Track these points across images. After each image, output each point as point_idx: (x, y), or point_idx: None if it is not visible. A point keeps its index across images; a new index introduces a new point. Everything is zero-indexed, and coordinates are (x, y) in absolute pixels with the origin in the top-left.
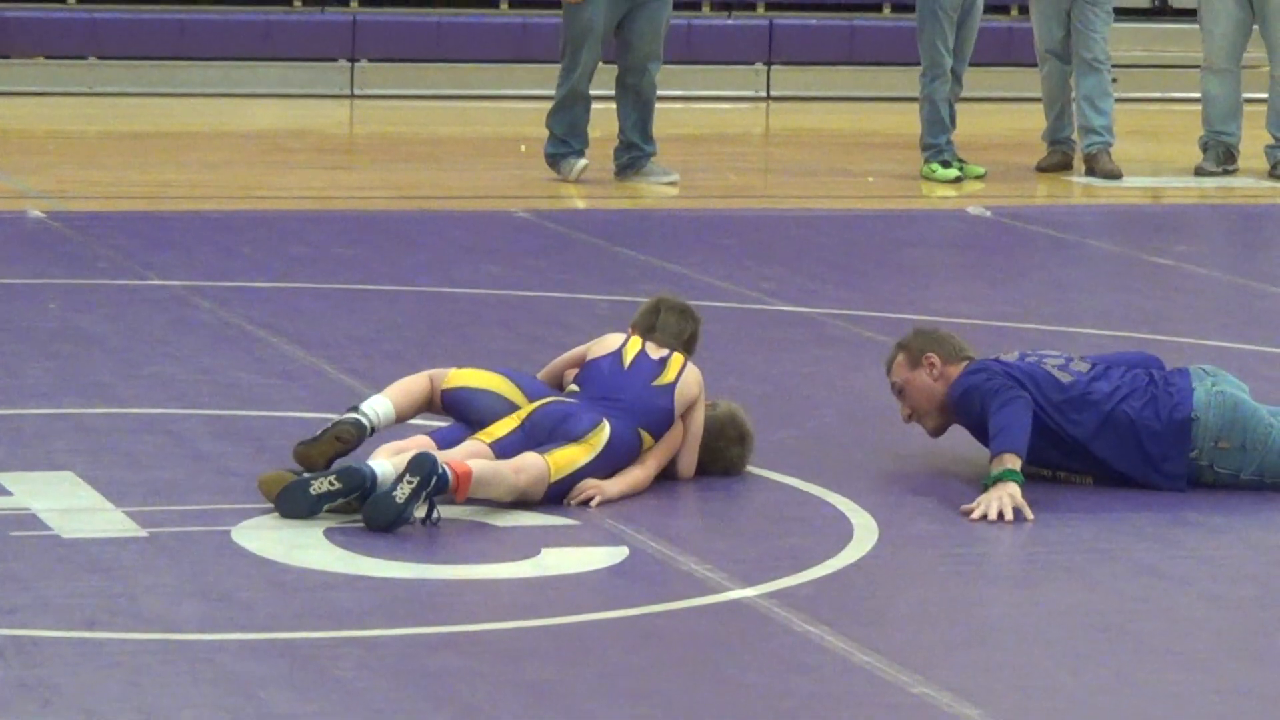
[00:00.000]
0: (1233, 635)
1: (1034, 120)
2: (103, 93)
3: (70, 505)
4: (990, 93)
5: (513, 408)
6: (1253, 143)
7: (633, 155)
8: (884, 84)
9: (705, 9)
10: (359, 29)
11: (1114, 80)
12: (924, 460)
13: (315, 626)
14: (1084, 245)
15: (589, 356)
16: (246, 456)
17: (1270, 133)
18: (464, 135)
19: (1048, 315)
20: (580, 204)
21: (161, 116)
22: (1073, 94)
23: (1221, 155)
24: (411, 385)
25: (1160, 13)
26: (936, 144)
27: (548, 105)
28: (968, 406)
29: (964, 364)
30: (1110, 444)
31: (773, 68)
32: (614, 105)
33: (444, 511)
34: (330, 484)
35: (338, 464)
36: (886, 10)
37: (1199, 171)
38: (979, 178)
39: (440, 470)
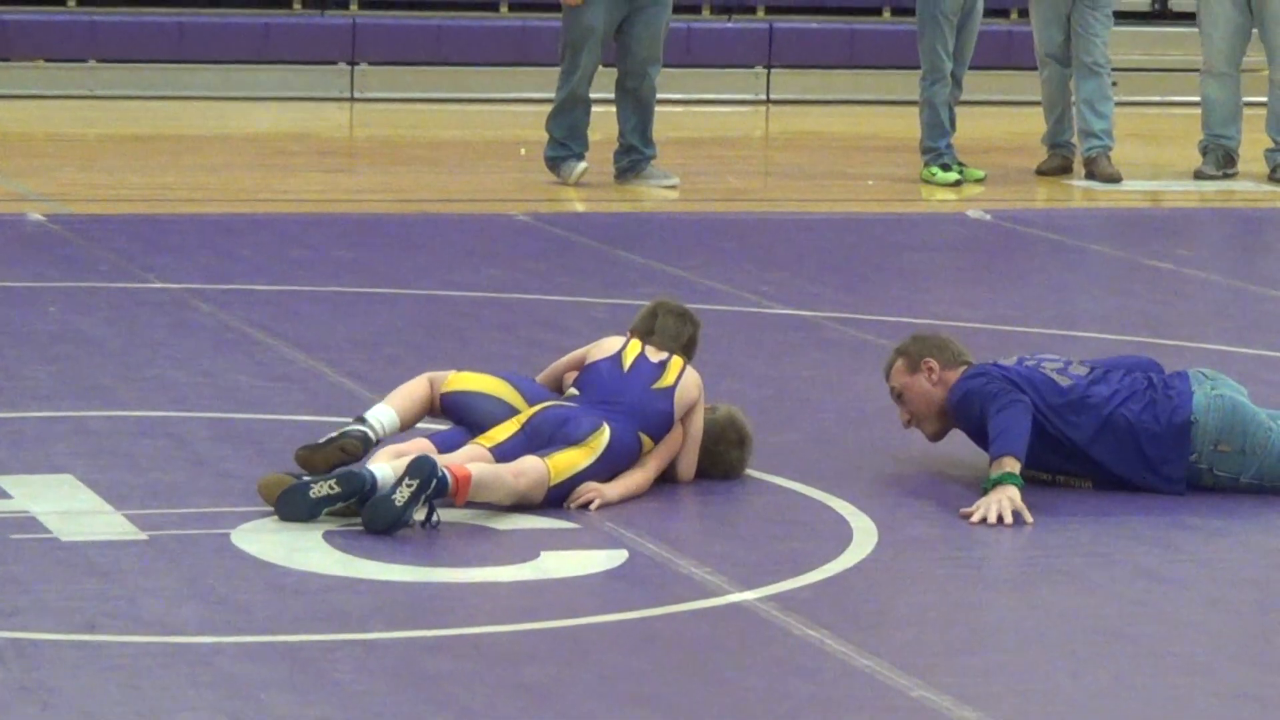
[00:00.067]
0: (1232, 639)
1: (1034, 124)
2: (103, 96)
3: (70, 508)
4: (990, 96)
5: (512, 411)
6: (1252, 146)
7: (632, 158)
8: (884, 87)
9: (705, 12)
10: (359, 32)
11: (1114, 84)
12: (923, 463)
13: (315, 629)
14: (1084, 249)
15: (588, 360)
16: (246, 459)
17: (1270, 136)
18: (464, 138)
19: (1047, 319)
20: (580, 207)
21: (162, 119)
22: (1072, 98)
23: (1221, 159)
24: (413, 391)
25: (1160, 16)
26: (936, 147)
27: (547, 108)
28: (967, 410)
29: (962, 369)
30: (1109, 447)
31: (772, 71)
32: (614, 108)
33: (443, 515)
34: (330, 488)
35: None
36: (886, 14)
37: (1199, 175)
38: (979, 181)
39: (440, 474)
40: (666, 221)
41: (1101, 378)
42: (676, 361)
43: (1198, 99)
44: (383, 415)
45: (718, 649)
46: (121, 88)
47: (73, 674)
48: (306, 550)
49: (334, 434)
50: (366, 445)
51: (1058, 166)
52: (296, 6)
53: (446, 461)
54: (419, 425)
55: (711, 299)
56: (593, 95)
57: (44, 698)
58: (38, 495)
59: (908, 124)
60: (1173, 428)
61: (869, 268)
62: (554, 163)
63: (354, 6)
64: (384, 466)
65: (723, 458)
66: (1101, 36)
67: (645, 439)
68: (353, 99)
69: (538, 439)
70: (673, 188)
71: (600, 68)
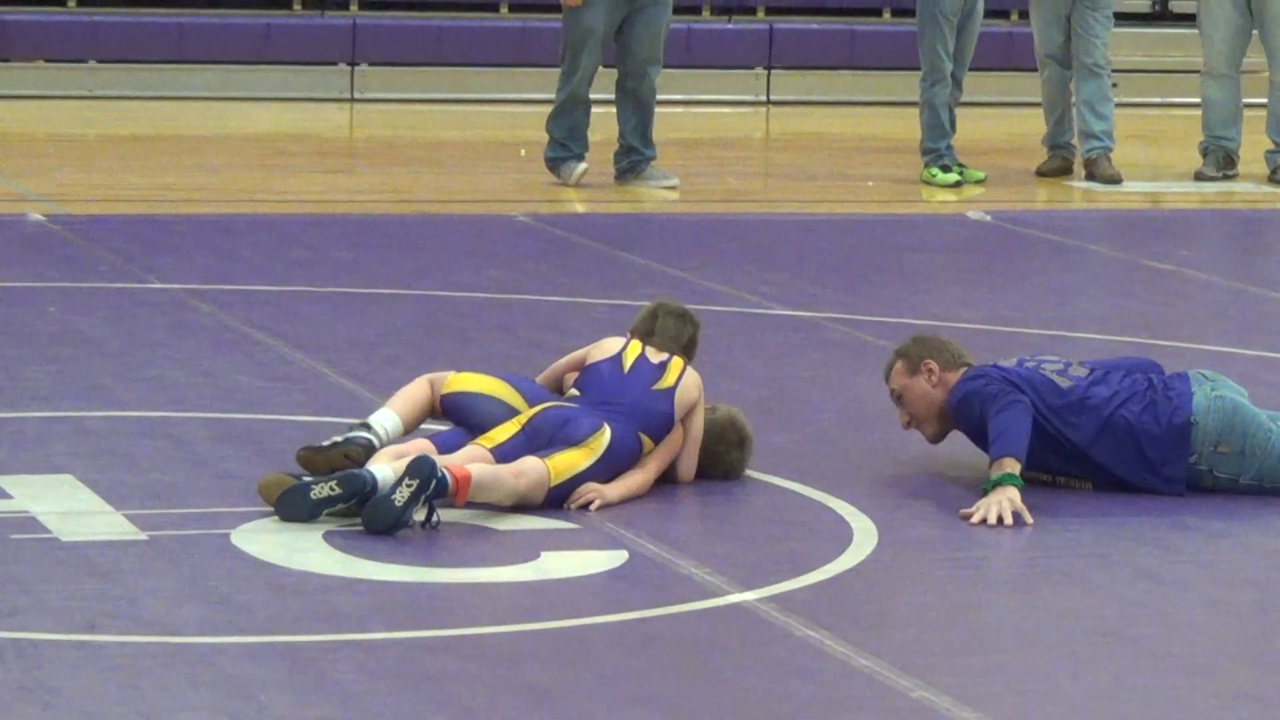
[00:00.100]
0: (1232, 640)
1: (1034, 125)
2: (103, 96)
3: (70, 508)
4: (990, 97)
5: (512, 412)
6: (1252, 148)
7: (633, 159)
8: (884, 89)
9: (705, 13)
10: (359, 33)
11: (1114, 85)
12: (923, 464)
13: (314, 629)
14: (1084, 250)
15: (589, 361)
16: (246, 460)
17: (1270, 138)
18: (464, 139)
19: (1048, 320)
20: (580, 208)
21: (161, 120)
22: (1073, 99)
23: (1221, 160)
24: (414, 394)
25: (1160, 18)
26: (936, 149)
27: (548, 109)
28: (967, 412)
29: (962, 370)
30: (1109, 449)
31: (773, 72)
32: (614, 109)
33: (443, 515)
34: (331, 489)
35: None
36: (887, 15)
37: (1199, 176)
38: (979, 182)
39: (439, 474)
40: (666, 222)
41: (1101, 379)
42: (677, 362)
43: (1198, 100)
44: (386, 420)
45: (718, 649)
46: (121, 88)
47: (73, 674)
48: (306, 550)
49: (338, 438)
50: (370, 452)
51: (1058, 168)
52: (297, 7)
53: (446, 462)
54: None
55: (711, 300)
56: (593, 96)
57: (44, 698)
58: (38, 495)
59: (908, 125)
60: (1173, 429)
61: (869, 269)
62: (554, 163)
63: (354, 7)
64: (384, 467)
65: (723, 458)
66: (1102, 38)
67: (646, 440)
68: (353, 99)
69: (538, 440)
70: (673, 189)
71: (600, 68)
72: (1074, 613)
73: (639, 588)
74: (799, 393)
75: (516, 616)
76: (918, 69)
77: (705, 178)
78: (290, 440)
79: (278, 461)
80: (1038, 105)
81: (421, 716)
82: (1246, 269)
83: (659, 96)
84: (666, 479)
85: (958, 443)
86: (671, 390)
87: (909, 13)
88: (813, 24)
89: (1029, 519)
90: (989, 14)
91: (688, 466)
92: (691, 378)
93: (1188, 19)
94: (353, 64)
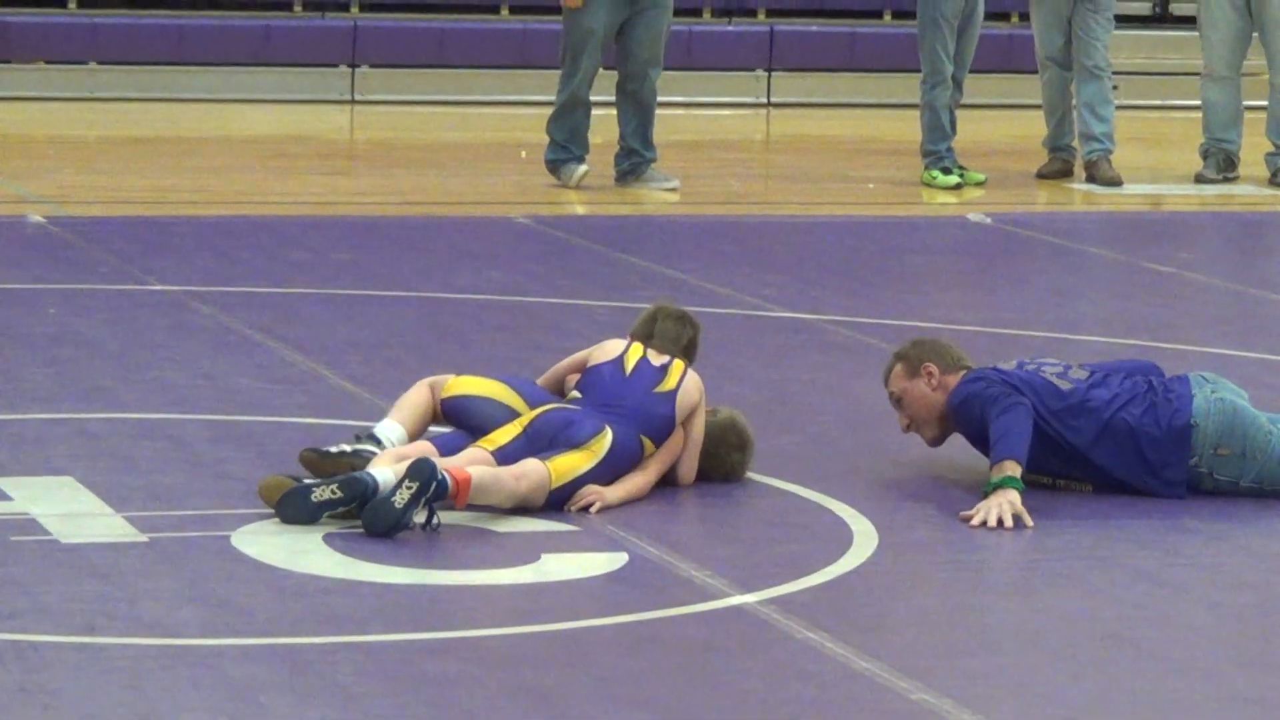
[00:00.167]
0: (1232, 642)
1: (1035, 127)
2: (103, 98)
3: (70, 510)
4: (991, 99)
5: (513, 414)
6: (1253, 150)
7: (633, 161)
8: (885, 90)
9: (706, 15)
10: (359, 34)
11: (1115, 87)
12: (924, 467)
13: (315, 631)
14: (1084, 252)
15: (590, 363)
16: (246, 462)
17: (1270, 140)
18: (464, 141)
19: (1048, 322)
20: (581, 210)
21: (162, 121)
22: (1073, 101)
23: (1222, 162)
24: (416, 401)
25: (1161, 20)
26: (937, 151)
27: (548, 111)
28: (967, 414)
29: (962, 373)
30: (1110, 451)
31: (773, 74)
32: (614, 111)
33: (444, 517)
34: (332, 492)
35: None
36: (887, 17)
37: (1199, 179)
38: (979, 184)
39: (439, 476)
40: (667, 224)
41: (1101, 381)
42: (678, 365)
43: (1198, 103)
44: (391, 433)
45: (718, 652)
46: (122, 90)
47: (73, 676)
48: (307, 553)
49: (346, 448)
50: None
51: (1058, 170)
52: (297, 9)
53: (447, 464)
54: None
55: (712, 302)
56: (593, 98)
57: (44, 700)
58: (38, 497)
59: (908, 127)
60: (1173, 431)
61: (869, 271)
62: (554, 165)
63: (354, 9)
64: (385, 470)
65: (723, 461)
66: (1102, 40)
67: (647, 442)
68: (353, 101)
69: (539, 442)
70: (673, 190)
71: (601, 70)
72: (1074, 615)
73: (639, 590)
74: (799, 395)
75: (516, 618)
76: (918, 71)
77: (706, 180)
78: (291, 442)
79: (278, 463)
80: (1038, 107)
81: (421, 718)
82: (1247, 271)
83: (659, 98)
84: (667, 481)
85: (958, 445)
86: (673, 393)
87: (909, 15)
88: (813, 26)
89: (1029, 521)
90: (989, 16)
91: (688, 469)
92: (693, 381)
93: (1188, 21)
94: (353, 66)
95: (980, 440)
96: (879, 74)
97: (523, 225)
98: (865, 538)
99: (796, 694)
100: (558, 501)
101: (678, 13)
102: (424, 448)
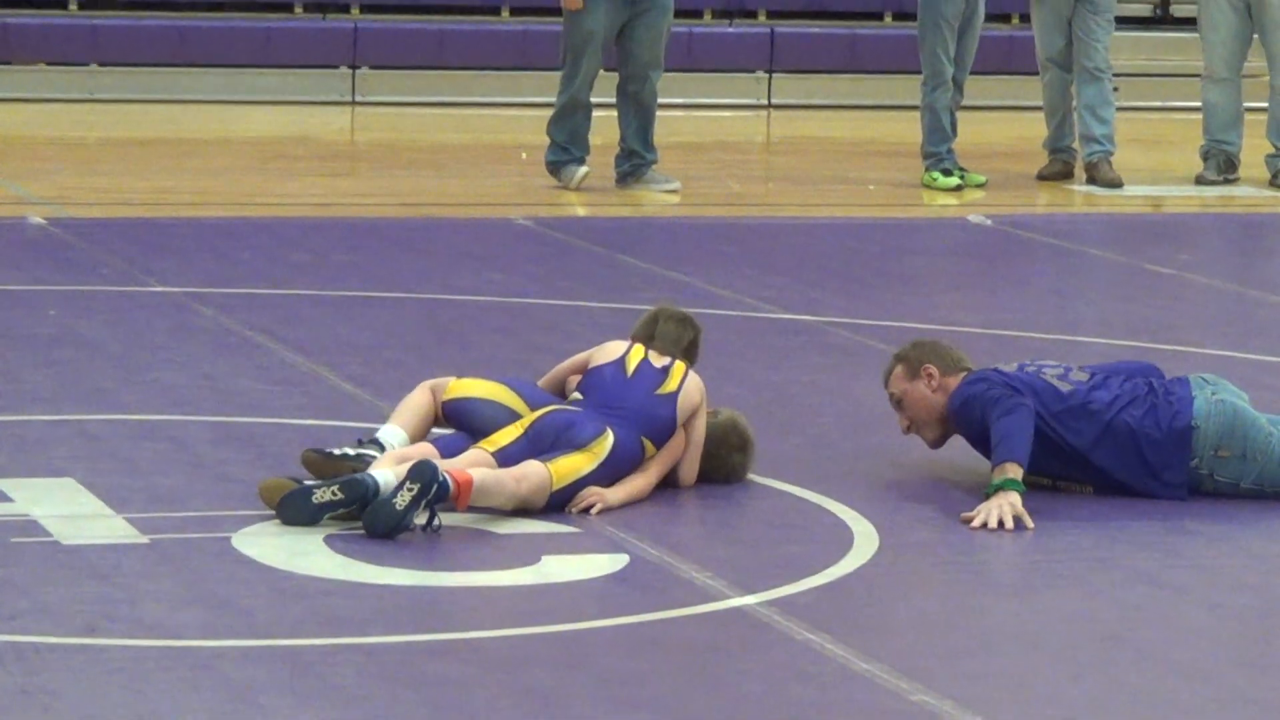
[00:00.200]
0: (1232, 644)
1: (1035, 129)
2: (104, 99)
3: (71, 511)
4: (991, 101)
5: (514, 416)
6: (1253, 152)
7: (634, 163)
8: (885, 92)
9: (707, 16)
10: (360, 36)
11: (1115, 89)
12: (924, 468)
13: (315, 633)
14: (1085, 254)
15: (591, 364)
16: (247, 463)
17: (1271, 141)
18: (465, 142)
19: (1049, 324)
20: (581, 211)
21: (163, 123)
22: (1074, 102)
23: (1222, 164)
24: (417, 405)
25: (1161, 22)
26: (938, 152)
27: (549, 113)
28: (968, 416)
29: (962, 375)
30: (1110, 453)
31: (774, 75)
32: (615, 113)
33: (445, 519)
34: (333, 494)
35: None
36: (888, 18)
37: (1200, 180)
38: (980, 186)
39: (440, 478)
40: (667, 226)
41: (1102, 383)
42: (679, 367)
43: (1199, 104)
44: (394, 437)
45: (718, 653)
46: (122, 91)
47: (74, 677)
48: (307, 554)
49: (350, 451)
50: None
51: (1059, 171)
52: (298, 10)
53: (448, 466)
54: None
55: (713, 303)
56: (594, 100)
57: (45, 701)
58: (39, 499)
59: (909, 129)
60: (1173, 433)
61: (870, 273)
62: (555, 167)
63: (355, 10)
64: (386, 471)
65: (724, 462)
66: (1103, 41)
67: (648, 444)
68: (354, 103)
69: (541, 443)
70: (674, 192)
71: (601, 72)
72: (1074, 616)
73: (640, 591)
74: (800, 397)
75: (517, 620)
76: (919, 73)
77: (706, 181)
78: (291, 443)
79: (279, 465)
80: (1039, 109)
81: None
82: (1247, 273)
83: (660, 100)
84: (668, 483)
85: (958, 447)
86: (674, 395)
87: (910, 16)
88: (814, 27)
89: (1029, 523)
90: (990, 18)
91: (689, 471)
92: (694, 383)
93: (1188, 23)
94: (354, 67)
95: (981, 442)
96: (879, 76)
97: (523, 227)
98: (866, 539)
99: (797, 695)
100: (559, 503)
101: (678, 14)
102: (425, 449)
